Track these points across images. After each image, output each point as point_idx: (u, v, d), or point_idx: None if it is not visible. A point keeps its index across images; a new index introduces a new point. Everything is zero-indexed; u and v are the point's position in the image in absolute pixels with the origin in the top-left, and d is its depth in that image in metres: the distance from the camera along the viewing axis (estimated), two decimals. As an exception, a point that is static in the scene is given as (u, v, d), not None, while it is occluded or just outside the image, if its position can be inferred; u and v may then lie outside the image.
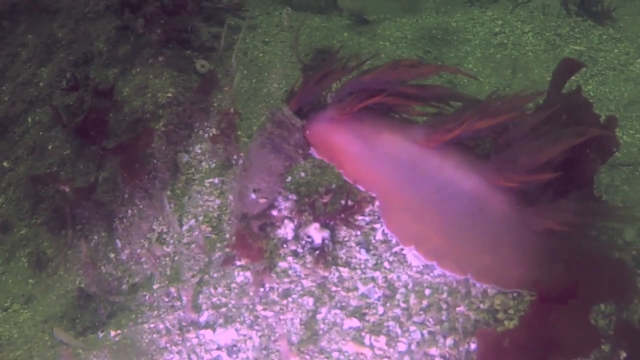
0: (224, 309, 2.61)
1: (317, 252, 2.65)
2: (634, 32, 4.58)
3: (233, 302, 2.62)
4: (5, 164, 3.79)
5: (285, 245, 2.71)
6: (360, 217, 2.73)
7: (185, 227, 3.04)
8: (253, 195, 2.77)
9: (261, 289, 2.62)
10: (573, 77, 2.88)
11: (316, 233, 2.68)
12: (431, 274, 2.56)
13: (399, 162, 2.54)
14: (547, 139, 2.43)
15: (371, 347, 2.39)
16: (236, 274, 2.70)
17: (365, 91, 2.61)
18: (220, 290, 2.68)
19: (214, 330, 2.55)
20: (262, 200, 2.78)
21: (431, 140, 2.50)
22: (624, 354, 2.35)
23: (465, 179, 2.47)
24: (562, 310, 2.18)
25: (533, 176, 2.38)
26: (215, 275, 2.74)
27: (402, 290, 2.53)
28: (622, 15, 4.77)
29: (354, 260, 2.63)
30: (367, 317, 2.47)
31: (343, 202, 2.69)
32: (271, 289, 2.61)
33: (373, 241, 2.67)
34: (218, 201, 3.09)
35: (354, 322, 2.46)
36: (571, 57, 2.89)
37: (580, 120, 2.64)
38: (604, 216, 2.54)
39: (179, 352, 2.52)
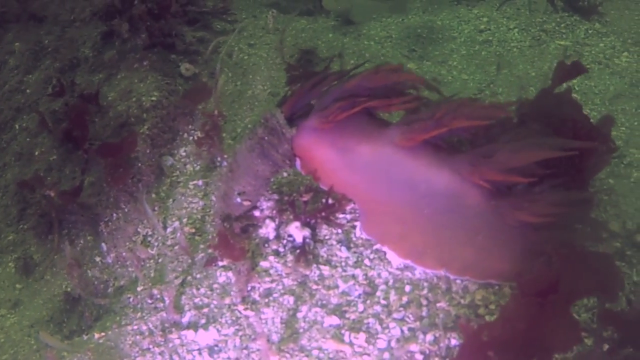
0: (206, 310, 2.62)
1: (298, 250, 2.65)
2: (620, 26, 4.57)
3: (215, 302, 2.63)
4: (-8, 171, 3.82)
5: (266, 245, 2.71)
6: (341, 215, 2.74)
7: (169, 230, 3.05)
8: (238, 199, 2.78)
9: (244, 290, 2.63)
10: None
11: (297, 232, 2.69)
12: (412, 271, 2.57)
13: (374, 172, 2.58)
14: (527, 143, 2.44)
15: (351, 344, 2.39)
16: (218, 274, 2.71)
17: (348, 98, 2.64)
18: (202, 290, 2.69)
19: (195, 330, 2.56)
20: (246, 203, 2.79)
21: (407, 139, 2.52)
22: (606, 346, 2.35)
23: (439, 178, 2.49)
24: (542, 304, 2.18)
25: (505, 176, 2.40)
26: (198, 276, 2.75)
27: (383, 287, 2.53)
28: (609, 10, 4.77)
29: (334, 258, 2.63)
30: (347, 315, 2.47)
31: (324, 200, 2.70)
32: (253, 288, 2.62)
33: (354, 239, 2.67)
34: (202, 203, 3.10)
35: (334, 320, 2.47)
36: (578, 61, 2.87)
37: (570, 121, 2.65)
38: (580, 206, 2.54)
39: (161, 353, 2.53)
